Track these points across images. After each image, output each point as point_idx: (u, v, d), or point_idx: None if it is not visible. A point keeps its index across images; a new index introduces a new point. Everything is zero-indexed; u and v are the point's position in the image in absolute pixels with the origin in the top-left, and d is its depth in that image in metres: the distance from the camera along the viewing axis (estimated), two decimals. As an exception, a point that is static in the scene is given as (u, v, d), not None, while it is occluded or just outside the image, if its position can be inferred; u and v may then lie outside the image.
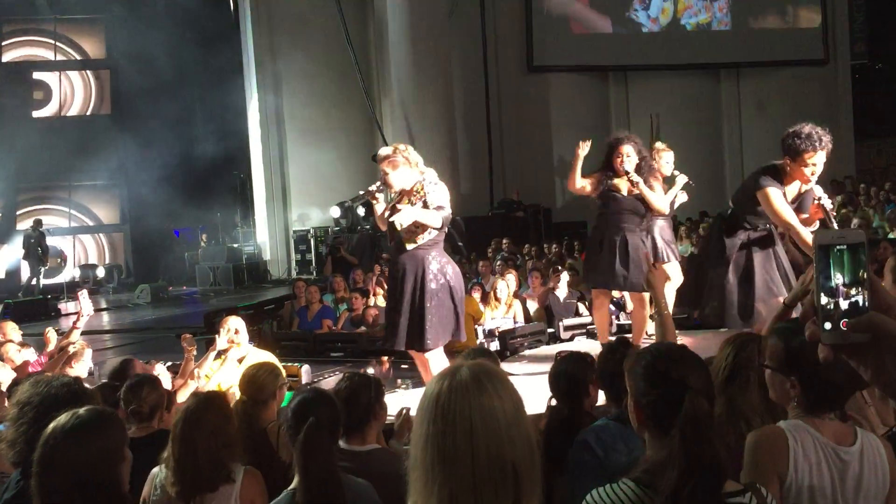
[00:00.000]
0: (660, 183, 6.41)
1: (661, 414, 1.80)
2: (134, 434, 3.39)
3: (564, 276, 8.76)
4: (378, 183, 5.28)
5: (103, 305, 16.38)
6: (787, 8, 19.98)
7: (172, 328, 11.45)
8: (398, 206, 5.09)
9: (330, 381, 5.26)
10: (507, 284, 8.40)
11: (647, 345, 2.15)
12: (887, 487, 2.10)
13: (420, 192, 5.07)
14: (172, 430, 2.78)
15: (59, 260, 19.20)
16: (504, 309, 8.21)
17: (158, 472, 2.82)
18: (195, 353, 5.30)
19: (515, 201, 17.50)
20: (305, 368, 6.52)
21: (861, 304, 0.95)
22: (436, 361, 5.10)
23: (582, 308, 8.55)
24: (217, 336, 5.34)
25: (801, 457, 2.03)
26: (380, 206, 5.35)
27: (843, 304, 0.95)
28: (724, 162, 20.22)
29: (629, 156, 6.13)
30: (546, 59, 19.37)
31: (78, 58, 20.95)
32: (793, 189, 4.89)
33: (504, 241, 13.77)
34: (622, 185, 6.14)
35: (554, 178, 19.26)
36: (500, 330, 7.56)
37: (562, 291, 8.61)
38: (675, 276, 7.18)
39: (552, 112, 19.58)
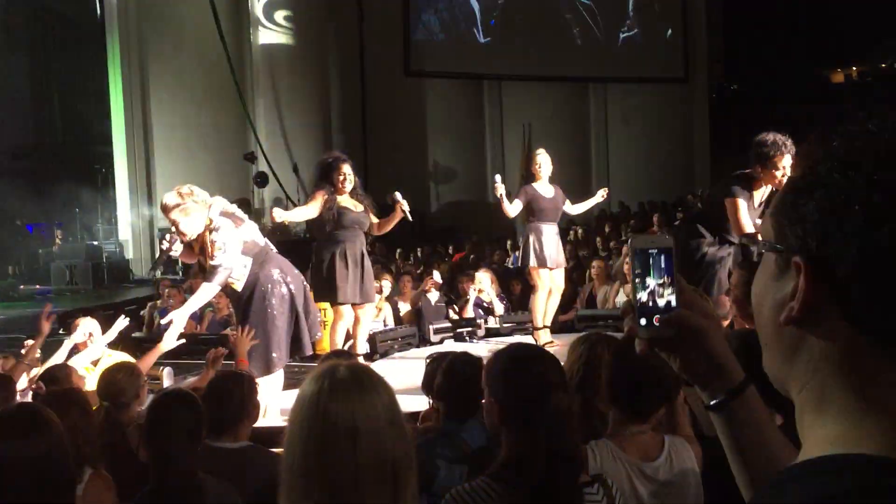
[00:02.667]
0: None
1: (520, 410, 1.85)
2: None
3: (436, 280, 8.82)
4: (168, 236, 4.99)
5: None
6: (650, 26, 20.92)
7: (25, 330, 10.78)
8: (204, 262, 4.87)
9: (189, 382, 5.08)
10: (380, 287, 8.39)
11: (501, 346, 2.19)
12: (700, 488, 2.19)
13: (210, 245, 4.79)
14: None
15: None
16: (374, 312, 8.18)
17: None
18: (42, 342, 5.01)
19: (389, 205, 17.47)
20: (167, 371, 6.30)
21: (671, 302, 1.04)
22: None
23: (451, 312, 8.65)
24: (68, 336, 5.09)
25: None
26: (177, 248, 4.99)
27: (658, 303, 1.04)
28: (591, 171, 20.94)
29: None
30: (423, 63, 19.53)
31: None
32: (760, 194, 5.36)
33: (376, 244, 13.73)
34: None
35: (429, 183, 19.43)
36: (370, 332, 7.53)
37: (433, 295, 8.67)
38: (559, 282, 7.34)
39: (428, 117, 19.75)
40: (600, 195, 7.85)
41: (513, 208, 7.03)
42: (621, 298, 8.11)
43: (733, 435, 1.07)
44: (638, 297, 1.04)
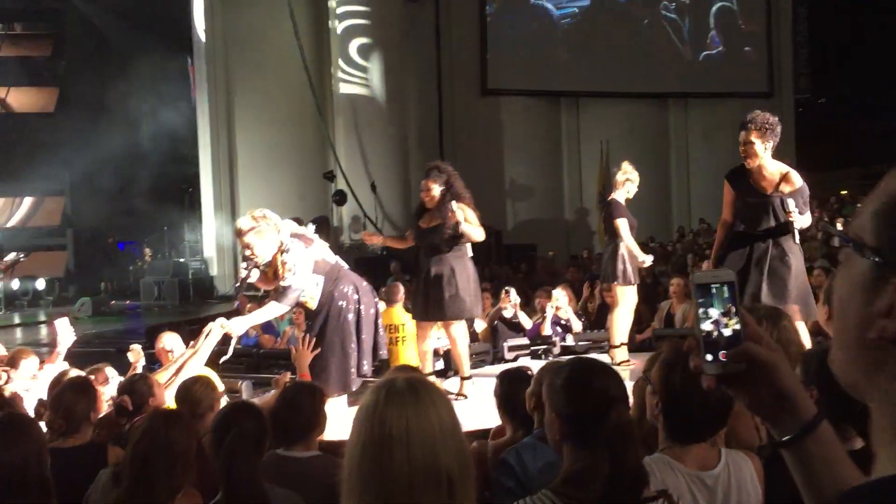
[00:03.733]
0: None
1: (582, 425, 1.84)
2: (60, 444, 3.30)
3: (513, 297, 8.79)
4: (245, 263, 5.02)
5: (42, 318, 15.98)
6: (734, 41, 20.52)
7: (114, 342, 11.21)
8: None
9: (267, 398, 5.19)
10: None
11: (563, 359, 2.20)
12: (760, 501, 2.16)
13: (280, 266, 4.89)
14: (129, 448, 2.61)
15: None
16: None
17: (104, 482, 2.73)
18: (143, 363, 5.20)
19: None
20: (246, 384, 6.43)
21: (737, 335, 1.01)
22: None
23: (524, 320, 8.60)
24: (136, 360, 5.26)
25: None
26: (254, 274, 5.00)
27: (723, 333, 1.02)
28: (670, 189, 20.62)
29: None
30: (500, 82, 19.60)
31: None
32: (759, 185, 5.23)
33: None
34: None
35: (505, 201, 19.43)
36: (444, 349, 7.55)
37: (508, 312, 8.65)
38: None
39: (504, 135, 19.78)
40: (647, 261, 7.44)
41: (627, 230, 6.83)
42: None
43: (805, 471, 1.01)
44: (702, 330, 1.02)
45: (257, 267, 4.93)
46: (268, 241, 4.88)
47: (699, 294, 1.03)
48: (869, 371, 0.75)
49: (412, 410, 1.41)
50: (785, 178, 5.22)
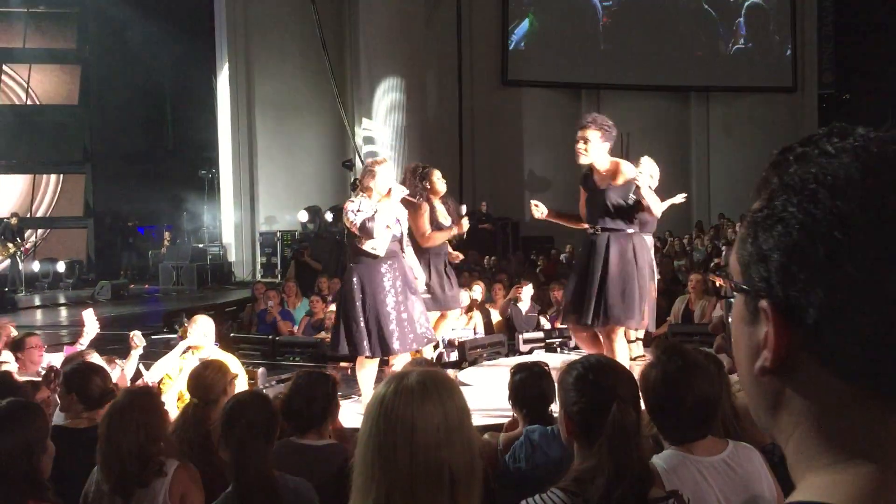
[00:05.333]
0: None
1: (590, 423, 1.84)
2: (74, 424, 3.34)
3: (527, 290, 8.79)
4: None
5: (62, 301, 16.13)
6: (757, 34, 20.31)
7: (132, 326, 11.29)
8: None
9: (280, 387, 5.21)
10: (468, 295, 8.41)
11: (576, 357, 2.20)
12: (774, 493, 2.17)
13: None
14: (99, 428, 2.74)
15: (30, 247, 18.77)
16: (465, 319, 8.21)
17: (97, 468, 2.78)
18: (140, 352, 5.20)
19: (483, 213, 17.54)
20: (262, 371, 6.47)
21: None
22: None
23: (543, 321, 8.59)
24: (185, 336, 5.27)
25: (677, 485, 2.08)
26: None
27: None
28: (690, 184, 20.47)
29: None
30: (521, 73, 19.50)
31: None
32: (595, 182, 5.23)
33: (469, 252, 13.78)
34: None
35: (524, 192, 19.36)
36: (459, 340, 7.56)
37: (524, 304, 8.64)
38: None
39: (524, 126, 19.70)
40: (680, 198, 7.63)
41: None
42: (718, 313, 7.89)
43: None
44: None
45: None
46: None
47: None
48: (769, 413, 0.72)
49: (418, 406, 1.42)
50: (616, 171, 5.18)
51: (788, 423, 0.70)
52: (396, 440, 1.40)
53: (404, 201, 5.57)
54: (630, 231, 5.11)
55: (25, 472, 2.06)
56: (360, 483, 1.43)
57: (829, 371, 0.66)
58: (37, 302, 15.68)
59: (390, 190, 5.30)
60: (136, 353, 5.14)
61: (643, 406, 2.23)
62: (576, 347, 7.92)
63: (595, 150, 5.13)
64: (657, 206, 5.25)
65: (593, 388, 1.87)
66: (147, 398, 2.92)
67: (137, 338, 5.14)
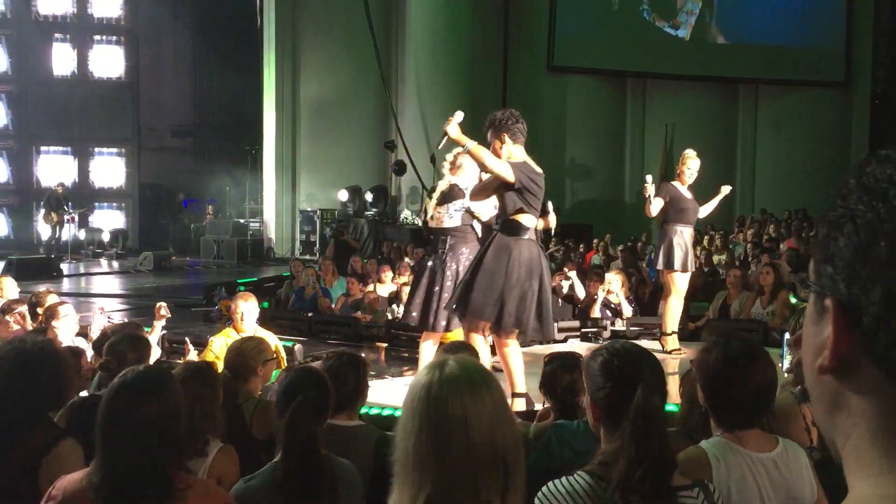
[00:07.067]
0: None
1: (614, 408, 1.86)
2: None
3: (572, 276, 8.82)
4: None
5: (105, 269, 16.46)
6: (810, 29, 19.86)
7: (172, 297, 11.50)
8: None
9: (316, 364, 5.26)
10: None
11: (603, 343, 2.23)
12: (815, 496, 2.17)
13: None
14: None
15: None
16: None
17: None
18: (164, 323, 5.29)
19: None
20: (299, 348, 6.55)
21: None
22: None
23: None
24: (224, 310, 5.36)
25: (724, 474, 2.10)
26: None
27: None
28: (735, 178, 20.17)
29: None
30: (566, 59, 19.31)
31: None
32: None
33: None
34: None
35: (564, 179, 19.25)
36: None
37: (565, 287, 8.64)
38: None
39: (568, 113, 19.54)
40: (724, 191, 7.54)
41: (655, 206, 6.89)
42: (757, 309, 7.82)
43: None
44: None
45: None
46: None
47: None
48: (828, 413, 0.72)
49: (468, 395, 1.42)
50: None
51: (846, 425, 0.70)
52: (452, 428, 1.40)
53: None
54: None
55: (166, 442, 2.00)
56: (412, 477, 1.41)
57: (883, 374, 0.65)
58: (81, 270, 16.03)
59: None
60: (159, 325, 5.21)
61: (699, 392, 2.26)
62: (609, 338, 7.91)
63: (496, 151, 5.26)
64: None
65: (619, 374, 1.88)
66: (206, 373, 2.96)
67: (164, 309, 5.21)
